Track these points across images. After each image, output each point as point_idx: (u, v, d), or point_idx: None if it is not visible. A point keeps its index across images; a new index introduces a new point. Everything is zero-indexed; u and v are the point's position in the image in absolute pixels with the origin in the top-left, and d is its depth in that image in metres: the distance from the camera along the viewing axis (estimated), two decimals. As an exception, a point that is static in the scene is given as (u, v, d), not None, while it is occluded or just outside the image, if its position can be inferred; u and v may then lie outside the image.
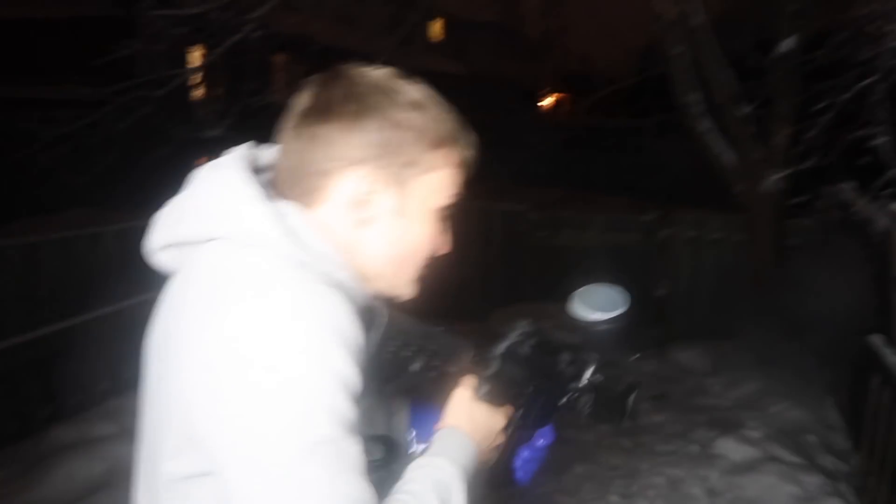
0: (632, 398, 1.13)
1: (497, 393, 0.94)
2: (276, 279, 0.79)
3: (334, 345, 0.75)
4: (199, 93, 9.97)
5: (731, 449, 3.67)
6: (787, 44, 5.12)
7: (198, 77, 8.28)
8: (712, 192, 6.16)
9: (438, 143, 0.88)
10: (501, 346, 0.95)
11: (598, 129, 11.23)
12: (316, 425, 0.73)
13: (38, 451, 3.42)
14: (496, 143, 10.30)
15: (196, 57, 9.35)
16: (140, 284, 4.33)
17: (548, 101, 16.97)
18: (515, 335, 0.96)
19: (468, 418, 0.92)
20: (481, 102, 11.62)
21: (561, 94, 17.02)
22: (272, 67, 12.03)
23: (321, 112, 0.87)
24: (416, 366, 0.86)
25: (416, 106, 0.87)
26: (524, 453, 1.01)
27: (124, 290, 4.24)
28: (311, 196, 0.87)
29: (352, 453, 0.75)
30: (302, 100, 0.89)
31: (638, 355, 1.03)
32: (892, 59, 3.87)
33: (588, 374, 1.01)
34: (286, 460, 0.72)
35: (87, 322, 3.97)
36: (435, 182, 0.90)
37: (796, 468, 3.43)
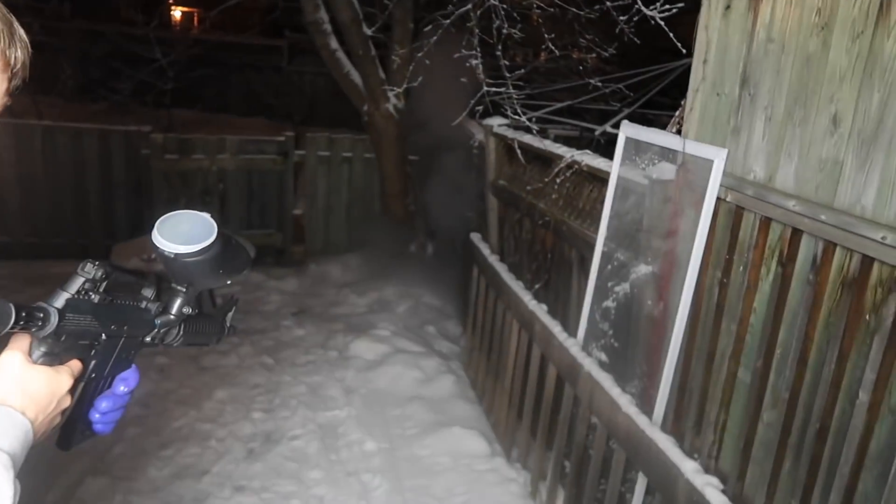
0: (230, 315, 1.13)
1: (58, 352, 0.82)
2: None
3: None
4: None
5: (364, 349, 3.99)
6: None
7: None
8: (347, 113, 6.37)
9: None
10: (59, 299, 0.81)
11: (231, 46, 10.64)
12: None
13: None
14: (113, 57, 9.14)
15: None
16: None
17: (175, 14, 15.50)
18: (77, 283, 0.83)
19: (19, 389, 0.79)
20: (90, 11, 10.09)
21: (190, 8, 15.64)
22: None
23: None
24: None
25: None
26: (103, 403, 0.91)
27: None
28: None
29: None
30: None
31: (229, 282, 0.96)
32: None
33: (176, 306, 0.96)
34: None
35: None
36: None
37: (418, 356, 3.89)
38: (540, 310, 2.83)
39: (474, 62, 3.91)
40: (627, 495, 2.18)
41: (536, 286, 3.16)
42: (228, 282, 0.99)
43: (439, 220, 5.20)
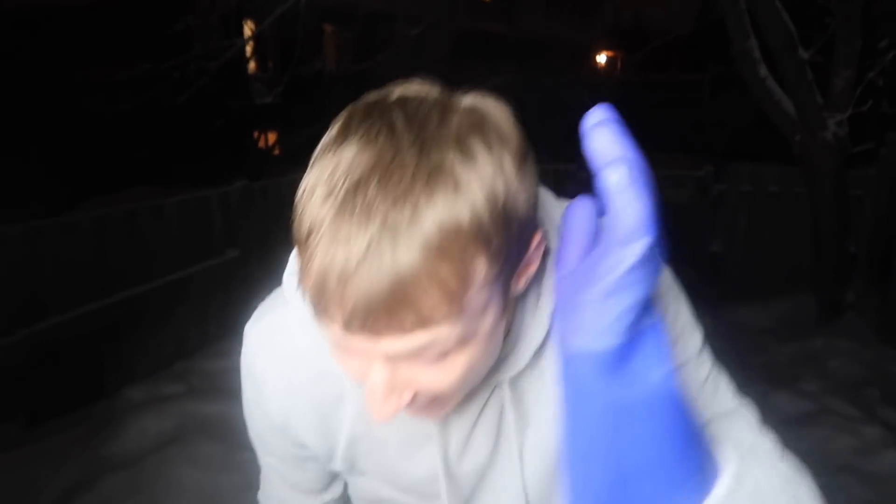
0: None
1: None
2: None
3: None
4: (252, 65, 10.15)
5: (785, 403, 3.62)
6: (849, -17, 4.85)
7: (250, 49, 8.44)
8: (772, 145, 5.94)
9: None
10: None
11: (652, 84, 10.89)
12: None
13: (111, 409, 3.58)
14: (546, 103, 10.18)
15: (248, 29, 9.51)
16: (199, 253, 4.54)
17: (600, 60, 16.50)
18: None
19: None
20: (530, 63, 11.42)
21: (614, 52, 16.49)
22: (321, 37, 12.11)
23: None
24: None
25: None
26: None
27: (186, 259, 4.43)
28: None
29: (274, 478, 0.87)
30: None
31: None
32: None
33: None
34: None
35: (152, 290, 4.16)
36: None
37: (853, 421, 3.36)
38: None
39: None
40: None
41: None
42: None
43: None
